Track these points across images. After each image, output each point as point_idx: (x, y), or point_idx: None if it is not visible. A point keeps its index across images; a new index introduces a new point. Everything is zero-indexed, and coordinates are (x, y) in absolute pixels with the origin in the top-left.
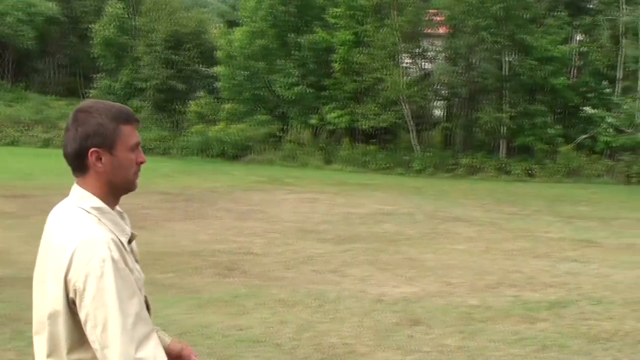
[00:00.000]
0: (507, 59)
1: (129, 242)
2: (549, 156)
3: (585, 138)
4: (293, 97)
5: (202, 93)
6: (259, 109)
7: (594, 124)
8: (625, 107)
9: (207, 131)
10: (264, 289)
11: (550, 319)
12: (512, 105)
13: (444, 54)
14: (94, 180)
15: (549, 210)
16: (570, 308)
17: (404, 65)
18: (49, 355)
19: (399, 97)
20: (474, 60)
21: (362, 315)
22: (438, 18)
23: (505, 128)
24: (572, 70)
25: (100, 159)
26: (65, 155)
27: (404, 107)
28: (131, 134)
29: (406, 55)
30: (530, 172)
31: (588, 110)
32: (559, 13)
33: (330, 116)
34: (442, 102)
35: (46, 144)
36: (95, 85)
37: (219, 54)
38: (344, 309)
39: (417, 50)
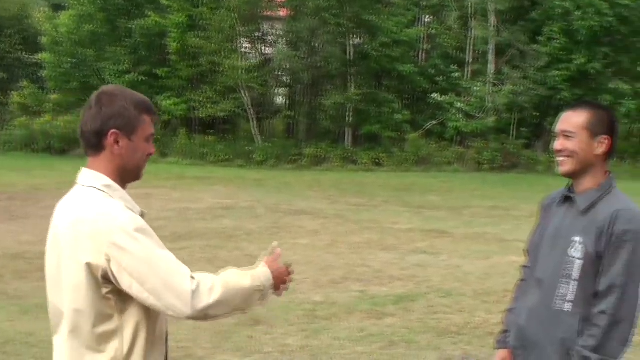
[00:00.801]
0: (352, 42)
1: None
2: (397, 144)
3: (434, 124)
4: (124, 86)
5: (25, 83)
6: (88, 99)
7: (443, 110)
8: (475, 90)
9: (31, 124)
10: None
11: (398, 314)
12: (357, 89)
13: (284, 38)
14: (106, 162)
15: (397, 200)
16: (419, 302)
17: (243, 50)
18: (72, 331)
19: (237, 84)
20: (316, 44)
21: None
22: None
23: (350, 115)
24: (420, 53)
25: (118, 141)
26: (83, 133)
27: (243, 94)
28: (150, 125)
29: (245, 39)
30: (377, 161)
31: (436, 96)
32: None
33: (165, 104)
34: (284, 89)
35: None
36: None
37: (43, 39)
38: None
39: (256, 34)
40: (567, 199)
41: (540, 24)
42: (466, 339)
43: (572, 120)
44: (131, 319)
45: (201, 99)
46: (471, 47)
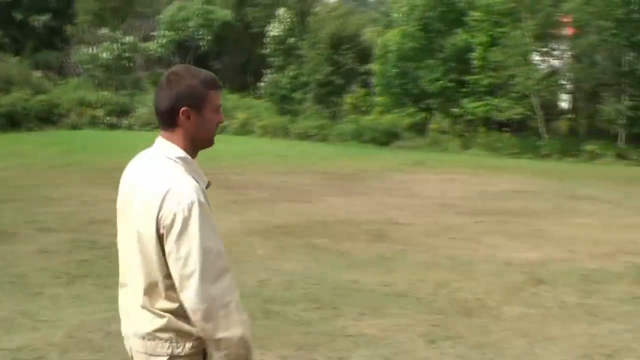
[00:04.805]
0: (626, 57)
1: (206, 187)
2: None
3: None
4: (437, 91)
5: (357, 87)
6: (406, 101)
7: None
8: None
9: (360, 120)
10: (407, 253)
11: None
12: (630, 98)
13: (570, 52)
14: (180, 135)
15: None
16: None
17: (534, 62)
18: (146, 293)
19: (529, 91)
20: (596, 58)
21: (493, 275)
22: (565, 19)
23: (624, 118)
24: None
25: (189, 117)
26: (158, 111)
27: (533, 99)
28: (216, 97)
29: (536, 53)
30: None
31: None
32: None
33: (469, 107)
34: (567, 95)
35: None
36: (264, 80)
37: (375, 52)
38: (477, 270)
39: (546, 49)
40: None
41: None
42: None
43: None
44: None
45: (498, 103)
46: None
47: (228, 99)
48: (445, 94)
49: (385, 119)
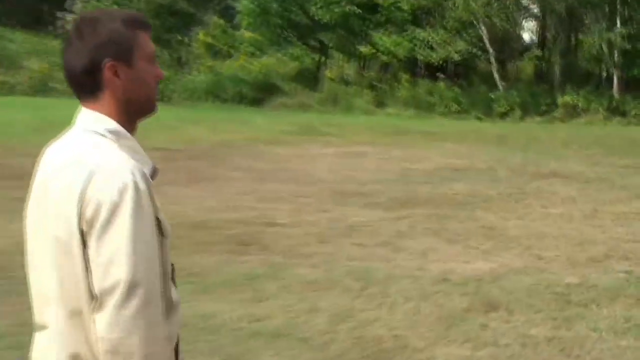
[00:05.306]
0: None
1: (152, 175)
2: None
3: None
4: (334, 21)
5: (213, 18)
6: (289, 37)
7: None
8: None
9: (219, 69)
10: (289, 269)
11: None
12: (627, 23)
13: None
14: (108, 101)
15: None
16: None
17: None
18: (71, 316)
19: (473, 17)
20: None
21: (420, 300)
22: None
23: (618, 55)
24: None
25: (116, 73)
26: (70, 76)
27: (481, 29)
28: (148, 42)
29: None
30: None
31: None
32: None
33: (383, 44)
34: (532, 22)
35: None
36: (69, 10)
37: None
38: (396, 293)
39: None
40: None
41: None
42: None
43: None
44: None
45: (428, 36)
46: None
47: (12, 39)
48: (347, 25)
49: (257, 65)
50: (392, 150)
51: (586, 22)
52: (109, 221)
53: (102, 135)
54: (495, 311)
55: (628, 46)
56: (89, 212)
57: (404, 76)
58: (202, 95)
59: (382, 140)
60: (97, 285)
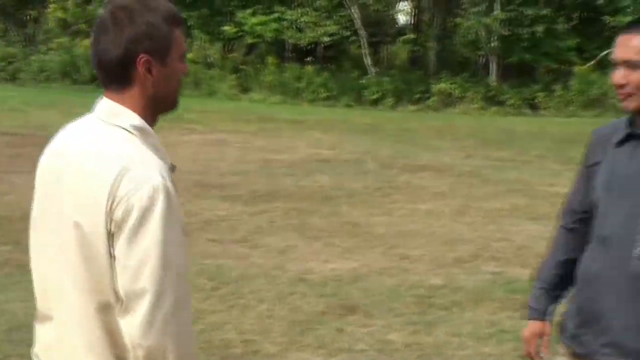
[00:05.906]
0: None
1: (171, 171)
2: (559, 80)
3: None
4: None
5: None
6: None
7: None
8: None
9: (74, 47)
10: None
11: None
12: (506, 7)
13: None
14: (135, 95)
15: (556, 155)
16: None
17: None
18: (90, 323)
19: None
20: None
21: (274, 301)
22: None
23: (496, 40)
24: None
25: (150, 69)
26: (101, 65)
27: (353, 11)
28: (183, 40)
29: None
30: (531, 102)
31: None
32: None
33: (248, 24)
34: (407, 3)
35: None
36: None
37: None
38: (249, 293)
39: None
40: (631, 137)
41: None
42: None
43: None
44: None
45: (296, 16)
46: None
47: None
48: (210, 2)
49: None
50: (255, 140)
51: (464, 5)
52: (140, 224)
53: (129, 131)
54: (353, 314)
55: (507, 32)
56: (119, 212)
57: (271, 59)
58: (54, 76)
59: (246, 128)
60: (125, 287)
